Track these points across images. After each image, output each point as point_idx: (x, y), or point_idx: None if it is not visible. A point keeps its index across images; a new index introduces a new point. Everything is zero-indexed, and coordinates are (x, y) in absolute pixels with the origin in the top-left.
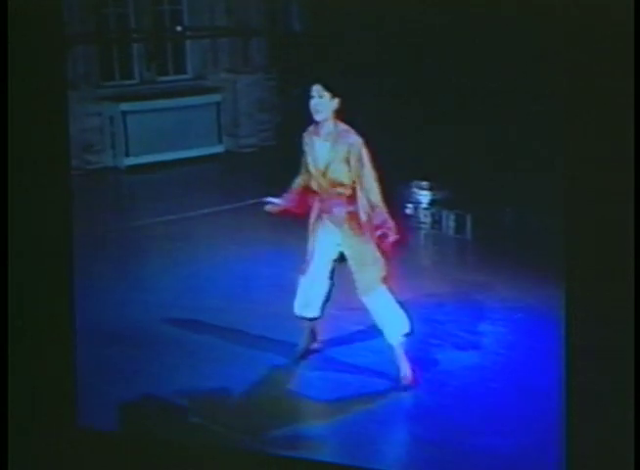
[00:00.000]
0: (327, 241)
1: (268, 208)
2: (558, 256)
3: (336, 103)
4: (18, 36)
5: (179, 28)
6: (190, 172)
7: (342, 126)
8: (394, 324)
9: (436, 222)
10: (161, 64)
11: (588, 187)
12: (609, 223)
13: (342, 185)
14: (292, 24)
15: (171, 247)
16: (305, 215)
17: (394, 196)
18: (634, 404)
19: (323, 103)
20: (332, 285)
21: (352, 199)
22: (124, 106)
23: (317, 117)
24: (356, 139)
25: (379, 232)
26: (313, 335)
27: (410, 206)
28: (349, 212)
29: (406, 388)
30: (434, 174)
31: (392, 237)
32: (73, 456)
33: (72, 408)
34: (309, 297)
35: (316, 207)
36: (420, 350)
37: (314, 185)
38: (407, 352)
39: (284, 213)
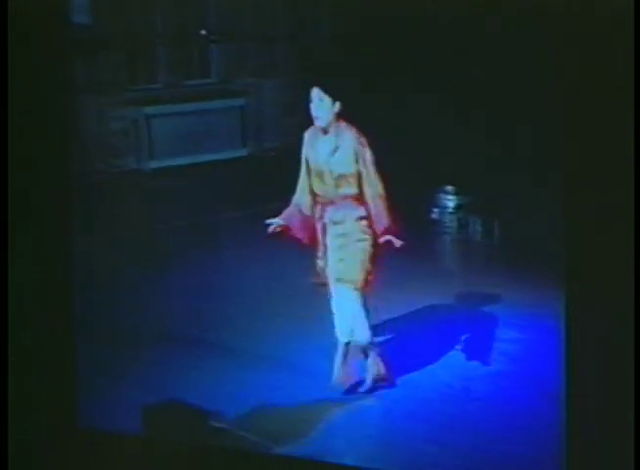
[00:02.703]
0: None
1: (271, 229)
2: (585, 262)
3: (337, 107)
4: (18, 36)
5: (204, 32)
6: (214, 176)
7: (343, 125)
8: (347, 325)
9: (463, 227)
10: (186, 68)
11: (588, 189)
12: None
13: (347, 182)
14: (319, 29)
15: (194, 250)
16: (311, 240)
17: (420, 200)
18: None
19: (323, 107)
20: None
21: (360, 202)
22: (149, 109)
23: (317, 123)
24: (359, 137)
25: (384, 239)
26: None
27: (436, 210)
28: (359, 217)
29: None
30: (460, 179)
31: (398, 243)
32: (73, 457)
33: (73, 409)
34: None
35: (321, 216)
36: (437, 355)
37: (318, 189)
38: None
39: (286, 234)
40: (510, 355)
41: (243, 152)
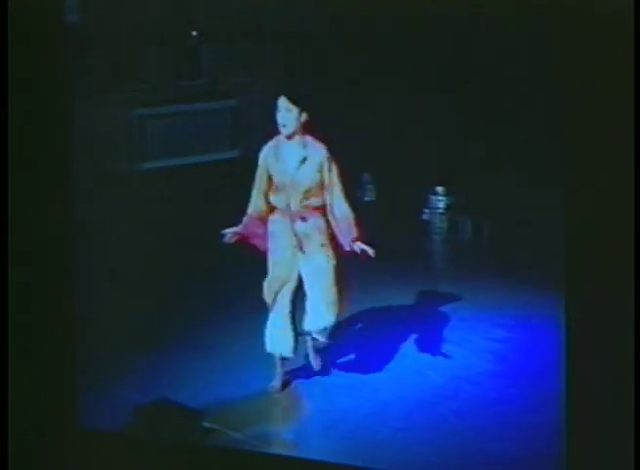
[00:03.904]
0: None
1: (226, 239)
2: (574, 263)
3: (304, 117)
4: (18, 36)
5: (194, 33)
6: (205, 177)
7: (309, 138)
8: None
9: (452, 228)
10: (177, 69)
11: (589, 191)
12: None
13: (313, 194)
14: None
15: (187, 250)
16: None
17: (411, 201)
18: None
19: (290, 115)
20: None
21: (324, 211)
22: (141, 110)
23: (284, 132)
24: (324, 151)
25: (358, 247)
26: None
27: (427, 211)
28: (323, 228)
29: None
30: (450, 180)
31: (371, 252)
32: (73, 457)
33: (73, 409)
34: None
35: (280, 224)
36: (433, 354)
37: (278, 201)
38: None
39: (243, 241)
40: (499, 355)
41: (234, 153)
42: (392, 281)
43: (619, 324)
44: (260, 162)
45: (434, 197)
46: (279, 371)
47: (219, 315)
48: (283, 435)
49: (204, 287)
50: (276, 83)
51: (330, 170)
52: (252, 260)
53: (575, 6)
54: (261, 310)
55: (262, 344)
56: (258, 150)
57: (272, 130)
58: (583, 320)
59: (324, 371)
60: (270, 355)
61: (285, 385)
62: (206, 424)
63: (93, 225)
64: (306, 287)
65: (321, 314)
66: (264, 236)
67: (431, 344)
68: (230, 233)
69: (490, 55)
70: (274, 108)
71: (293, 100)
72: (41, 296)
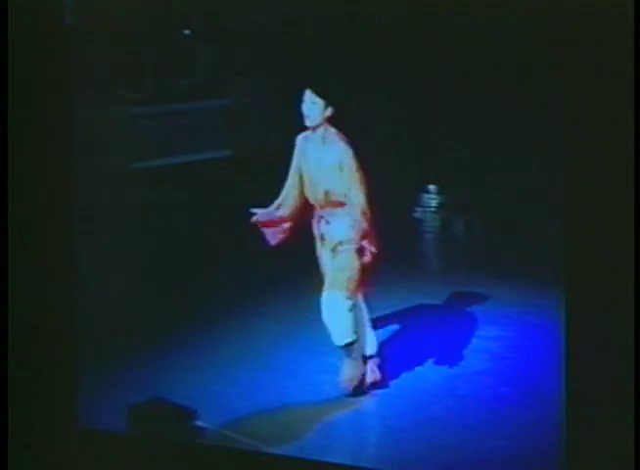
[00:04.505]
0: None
1: (254, 219)
2: (567, 260)
3: (329, 111)
4: (18, 36)
5: (187, 32)
6: (200, 176)
7: (332, 131)
8: (339, 330)
9: (445, 226)
10: (172, 68)
11: (588, 190)
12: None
13: (334, 193)
14: (303, 29)
15: (181, 249)
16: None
17: (404, 199)
18: (634, 406)
19: (315, 109)
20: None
21: (346, 210)
22: (135, 109)
23: (308, 122)
24: (346, 148)
25: (362, 244)
26: None
27: (419, 209)
28: (347, 225)
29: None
30: (443, 178)
31: (373, 249)
32: (73, 457)
33: (73, 409)
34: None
35: (316, 220)
36: (429, 354)
37: (309, 194)
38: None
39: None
40: (493, 353)
41: (229, 152)
42: (385, 279)
43: (616, 321)
44: (295, 151)
45: (426, 195)
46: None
47: (216, 315)
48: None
49: (200, 286)
50: (271, 83)
51: (349, 165)
52: (249, 259)
53: (575, 6)
54: (257, 309)
55: (258, 343)
56: (253, 148)
57: (268, 130)
58: (578, 317)
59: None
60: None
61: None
62: (199, 423)
63: (92, 225)
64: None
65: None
66: (280, 230)
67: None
68: (256, 217)
69: (486, 54)
70: (269, 107)
71: (318, 93)
72: (41, 296)
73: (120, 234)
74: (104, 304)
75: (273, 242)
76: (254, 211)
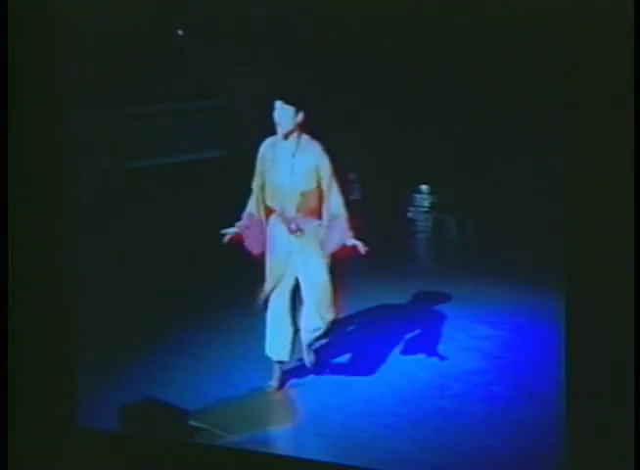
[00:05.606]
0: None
1: (226, 239)
2: (558, 260)
3: (300, 116)
4: (18, 35)
5: (180, 32)
6: (192, 176)
7: (305, 137)
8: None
9: (438, 226)
10: (165, 68)
11: (588, 189)
12: (609, 227)
13: (309, 197)
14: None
15: (175, 249)
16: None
17: (397, 199)
18: (634, 406)
19: (286, 115)
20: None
21: (319, 214)
22: (127, 109)
23: (280, 130)
24: (321, 153)
25: (351, 243)
26: None
27: (412, 209)
28: (317, 230)
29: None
30: (435, 178)
31: (363, 250)
32: (73, 457)
33: (73, 409)
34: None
35: (278, 227)
36: (422, 352)
37: (274, 204)
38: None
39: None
40: (484, 352)
41: (222, 152)
42: (378, 279)
43: (610, 319)
44: (258, 159)
45: (418, 195)
46: (277, 371)
47: (209, 316)
48: (272, 433)
49: (195, 287)
50: (264, 82)
51: (325, 170)
52: (242, 261)
53: (575, 6)
54: (249, 311)
55: (250, 343)
56: (247, 149)
57: (262, 129)
58: (570, 317)
59: (317, 370)
60: (261, 355)
61: (280, 384)
62: (193, 423)
63: (90, 226)
64: (302, 288)
65: (316, 315)
66: (260, 238)
67: (421, 343)
68: (228, 234)
69: (484, 54)
70: (263, 106)
71: (288, 100)
72: (41, 296)
73: (116, 233)
74: (103, 303)
75: (256, 252)
76: (226, 231)
